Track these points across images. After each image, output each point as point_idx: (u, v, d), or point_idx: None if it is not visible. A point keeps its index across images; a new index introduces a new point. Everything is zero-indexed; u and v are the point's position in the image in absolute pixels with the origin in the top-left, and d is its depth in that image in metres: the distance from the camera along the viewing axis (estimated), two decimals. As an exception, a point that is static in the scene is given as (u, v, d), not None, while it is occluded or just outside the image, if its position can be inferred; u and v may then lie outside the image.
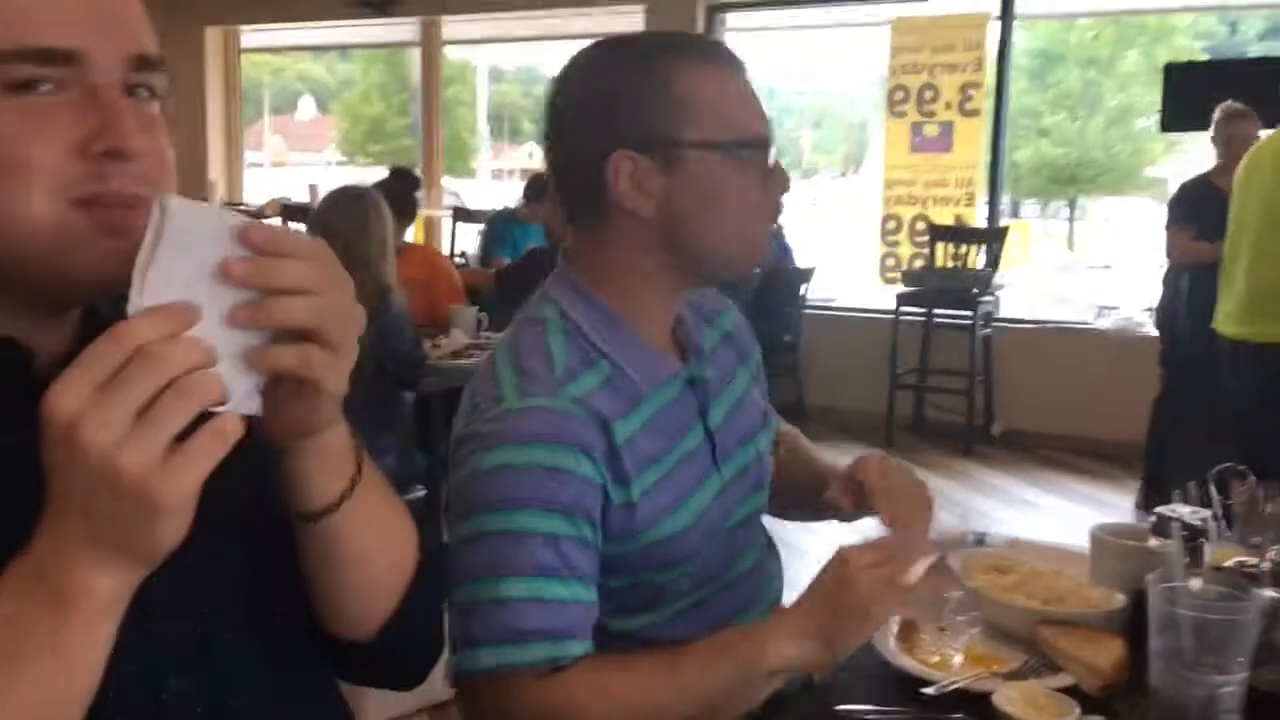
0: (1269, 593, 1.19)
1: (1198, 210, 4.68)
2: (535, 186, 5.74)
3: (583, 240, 1.29)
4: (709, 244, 1.26)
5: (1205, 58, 8.73)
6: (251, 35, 9.11)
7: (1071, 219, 16.59)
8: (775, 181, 1.27)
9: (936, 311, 6.02)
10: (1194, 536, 1.28)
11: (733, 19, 7.20)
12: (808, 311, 6.53)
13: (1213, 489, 1.53)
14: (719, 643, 1.17)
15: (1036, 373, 6.03)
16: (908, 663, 1.28)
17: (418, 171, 8.33)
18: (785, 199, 1.31)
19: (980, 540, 1.69)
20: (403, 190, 4.07)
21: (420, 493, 3.23)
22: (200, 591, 0.78)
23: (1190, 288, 4.63)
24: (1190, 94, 5.44)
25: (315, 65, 21.73)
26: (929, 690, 1.21)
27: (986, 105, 6.32)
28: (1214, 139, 4.78)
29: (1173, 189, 4.98)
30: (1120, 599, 1.34)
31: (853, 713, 1.20)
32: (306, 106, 21.40)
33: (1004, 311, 6.34)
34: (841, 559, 1.15)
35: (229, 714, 0.79)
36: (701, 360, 1.34)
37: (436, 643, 1.00)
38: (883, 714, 1.19)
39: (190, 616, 0.78)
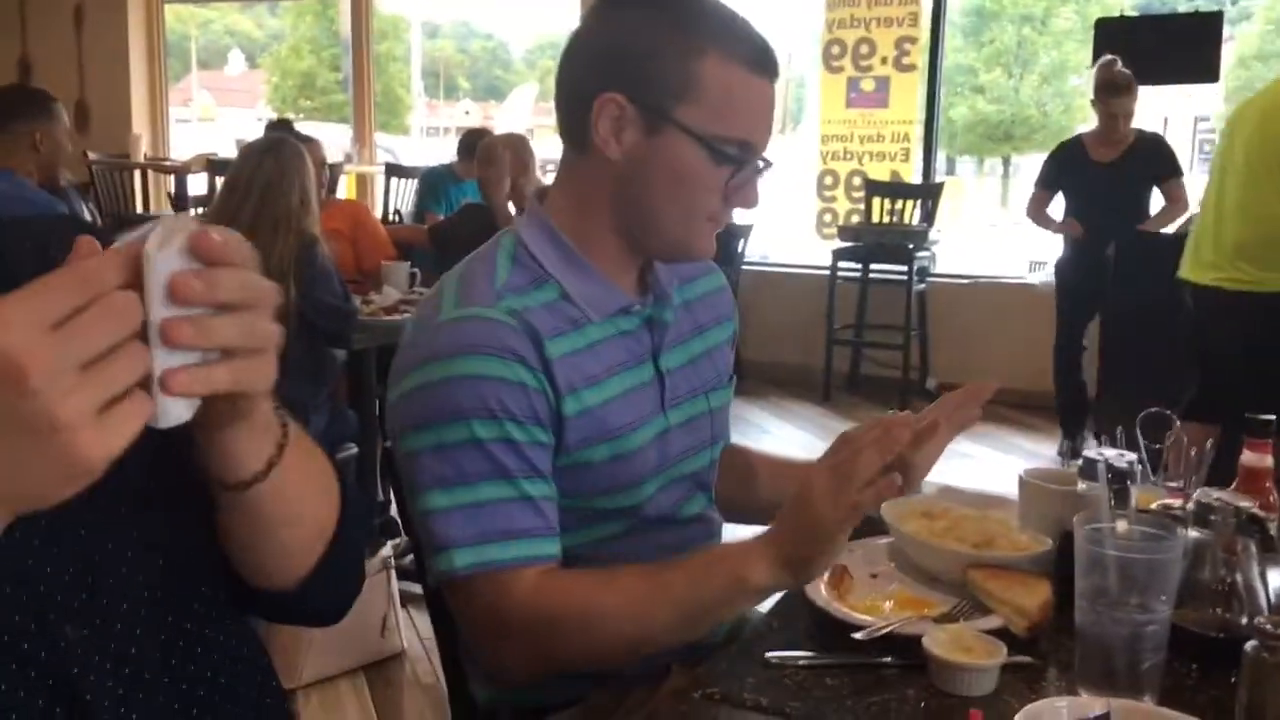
0: (1193, 533, 1.20)
1: (1065, 172, 4.86)
2: (469, 143, 5.65)
3: (561, 172, 1.33)
4: (654, 219, 1.28)
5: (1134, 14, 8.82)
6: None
7: (1006, 176, 16.77)
8: (741, 194, 1.28)
9: (873, 267, 6.05)
10: (1120, 479, 1.29)
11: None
12: (745, 268, 6.52)
13: (1139, 434, 1.54)
14: (706, 559, 1.22)
15: (970, 327, 6.10)
16: (838, 609, 1.28)
17: (348, 128, 8.21)
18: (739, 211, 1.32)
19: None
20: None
21: (352, 451, 3.18)
22: (81, 540, 0.76)
23: (1076, 246, 4.92)
24: (1121, 49, 5.49)
25: (244, 18, 21.21)
26: (859, 635, 1.21)
27: (922, 60, 6.33)
28: (1093, 103, 4.89)
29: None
30: (1047, 542, 1.35)
31: (783, 659, 1.19)
32: (235, 61, 20.92)
33: (939, 267, 6.39)
34: (804, 482, 1.17)
35: (131, 662, 0.77)
36: (663, 304, 1.35)
37: (356, 585, 1.01)
38: (812, 660, 1.18)
39: (75, 565, 0.75)
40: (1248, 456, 1.46)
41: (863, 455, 1.12)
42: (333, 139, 8.70)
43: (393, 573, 2.98)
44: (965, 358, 6.05)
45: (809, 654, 1.19)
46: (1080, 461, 1.37)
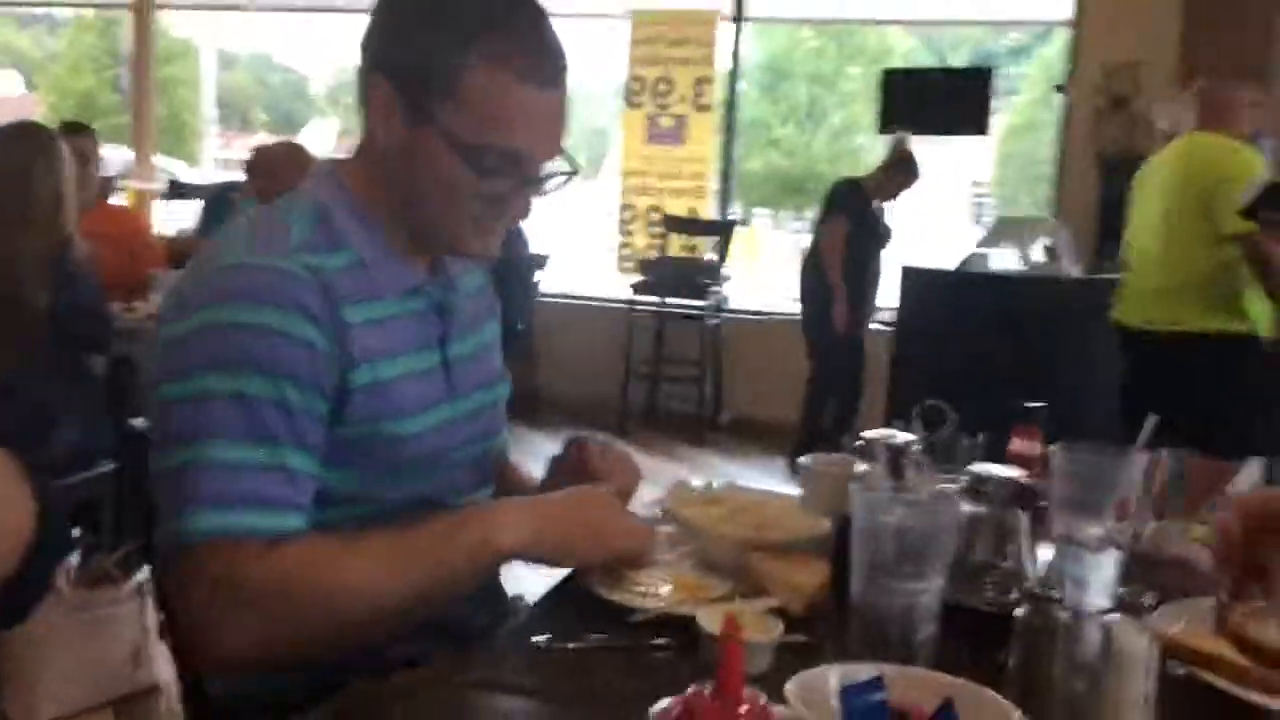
0: (967, 507, 1.19)
1: (854, 205, 5.09)
2: (257, 165, 5.41)
3: (360, 141, 1.25)
4: (417, 212, 1.22)
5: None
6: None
7: (800, 227, 17.41)
8: (505, 205, 1.21)
9: (669, 303, 6.10)
10: (896, 456, 1.28)
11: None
12: (544, 300, 6.47)
13: (917, 424, 1.55)
14: (448, 524, 1.14)
15: (763, 363, 6.22)
16: (613, 594, 1.21)
17: (127, 148, 7.76)
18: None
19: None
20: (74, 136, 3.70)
21: (109, 467, 2.93)
22: None
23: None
24: (905, 99, 5.78)
25: (20, 37, 19.96)
26: (633, 618, 1.15)
27: (717, 99, 6.48)
28: (889, 169, 5.20)
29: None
30: (826, 524, 1.32)
31: (553, 643, 1.11)
32: (11, 81, 19.65)
33: (734, 306, 6.51)
34: (601, 494, 1.20)
35: None
36: (451, 288, 1.28)
37: (43, 588, 0.95)
38: (583, 644, 1.11)
39: None
40: (1017, 444, 1.49)
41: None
42: (113, 159, 8.22)
43: (149, 600, 2.74)
44: (758, 392, 6.16)
45: (578, 641, 1.12)
46: (860, 443, 1.36)
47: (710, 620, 1.09)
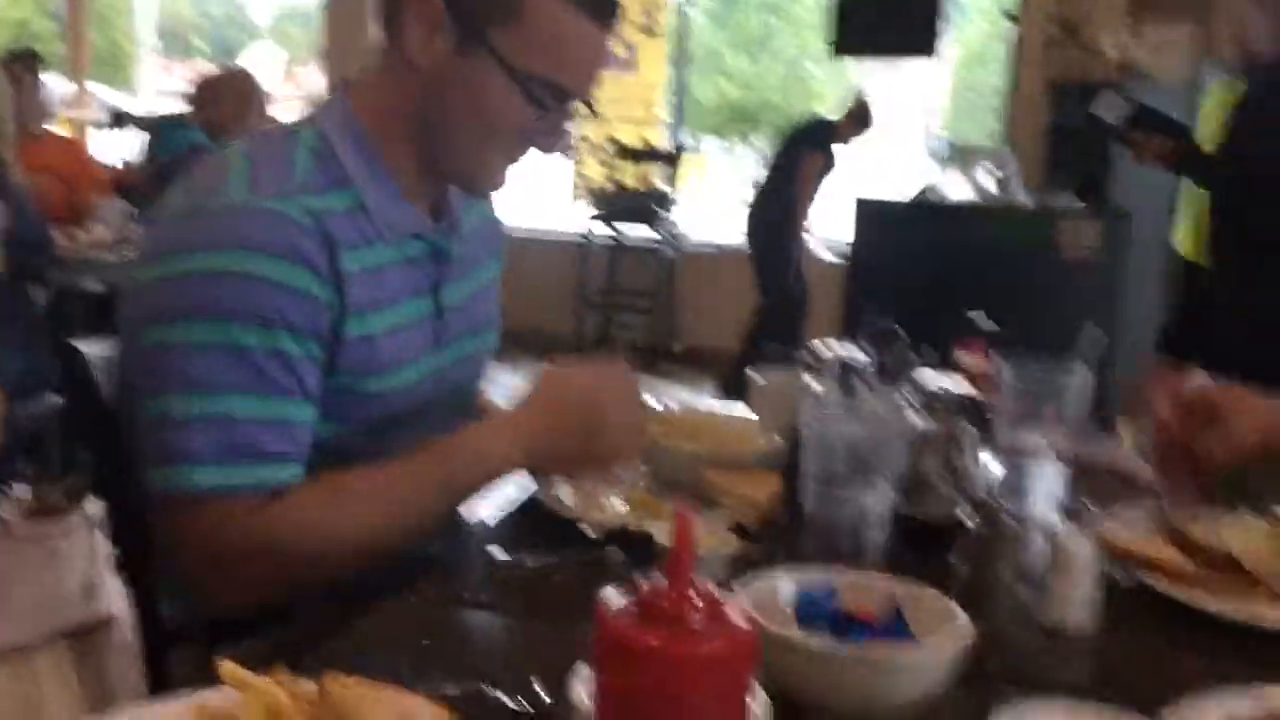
0: (917, 421, 1.21)
1: (827, 144, 5.08)
2: (201, 94, 5.27)
3: (373, 63, 1.19)
4: (447, 142, 1.17)
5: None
6: None
7: (752, 157, 17.37)
8: (542, 138, 1.18)
9: (623, 233, 6.08)
10: (845, 370, 1.29)
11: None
12: (496, 232, 6.43)
13: (866, 345, 1.56)
14: (441, 456, 1.13)
15: (716, 293, 6.23)
16: (570, 510, 1.22)
17: (64, 77, 7.52)
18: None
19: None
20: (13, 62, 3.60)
21: (54, 401, 2.88)
22: None
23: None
24: (855, 22, 5.74)
25: (-53, -36, 19.22)
26: (590, 533, 1.16)
27: (669, 25, 6.40)
28: (849, 117, 5.18)
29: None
30: (777, 439, 1.34)
31: (511, 561, 1.12)
32: (-61, 10, 18.91)
33: (689, 237, 6.50)
34: (598, 381, 1.16)
35: None
36: (453, 234, 1.25)
37: None
38: (541, 560, 1.12)
39: None
40: (964, 358, 1.51)
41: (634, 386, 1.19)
42: (52, 88, 7.97)
43: (98, 532, 2.71)
44: (710, 321, 6.18)
45: (533, 555, 1.13)
46: (810, 359, 1.37)
47: (665, 534, 1.10)
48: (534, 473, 1.20)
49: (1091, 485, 1.36)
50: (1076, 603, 0.99)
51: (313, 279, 1.08)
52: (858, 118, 5.20)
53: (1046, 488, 1.28)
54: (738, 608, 0.50)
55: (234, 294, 1.05)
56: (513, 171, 1.23)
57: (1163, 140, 3.01)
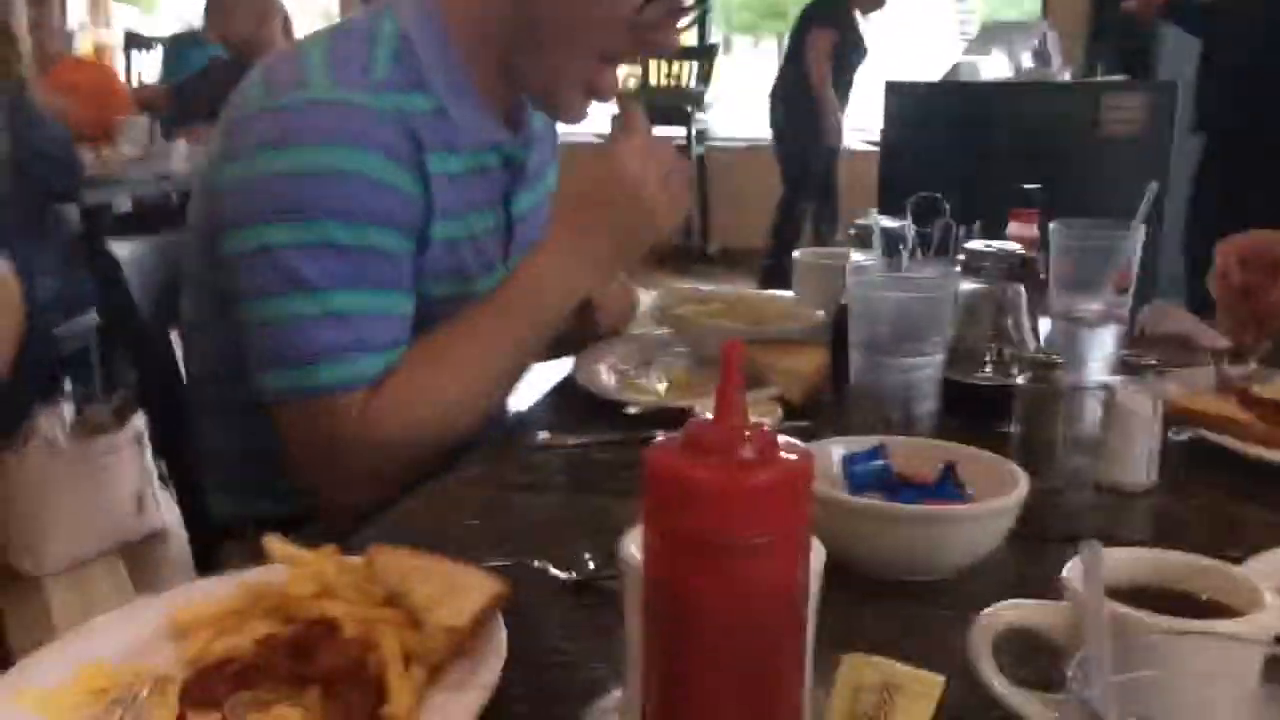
0: (967, 284, 1.17)
1: (839, 15, 4.91)
2: (213, 7, 5.20)
3: None
4: (534, 58, 1.12)
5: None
6: None
7: (780, 54, 17.02)
8: (656, 32, 1.10)
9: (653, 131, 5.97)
10: (891, 239, 1.25)
11: None
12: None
13: (909, 218, 1.51)
14: (508, 300, 1.09)
15: (749, 191, 6.14)
16: (610, 390, 1.20)
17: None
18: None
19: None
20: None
21: (91, 317, 2.89)
22: None
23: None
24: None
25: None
26: (630, 409, 1.14)
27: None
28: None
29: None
30: (820, 315, 1.31)
31: (551, 440, 1.10)
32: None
33: (717, 135, 6.38)
34: (618, 160, 1.09)
35: None
36: (526, 142, 1.21)
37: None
38: (581, 439, 1.10)
39: None
40: (1014, 228, 1.46)
41: (666, 146, 1.13)
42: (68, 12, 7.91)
43: (147, 448, 2.75)
44: (744, 221, 6.10)
45: (580, 437, 1.11)
46: (853, 231, 1.33)
47: (708, 408, 1.08)
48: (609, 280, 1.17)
49: (1151, 348, 1.32)
50: (1134, 460, 0.97)
51: (405, 174, 1.06)
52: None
53: (1102, 353, 1.24)
54: (791, 441, 0.47)
55: (330, 191, 1.02)
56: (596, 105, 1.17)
57: None
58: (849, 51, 5.05)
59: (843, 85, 5.05)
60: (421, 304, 1.12)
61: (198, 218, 1.15)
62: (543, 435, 1.11)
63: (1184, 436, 1.08)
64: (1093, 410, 1.04)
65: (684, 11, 1.12)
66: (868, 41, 5.23)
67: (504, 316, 1.09)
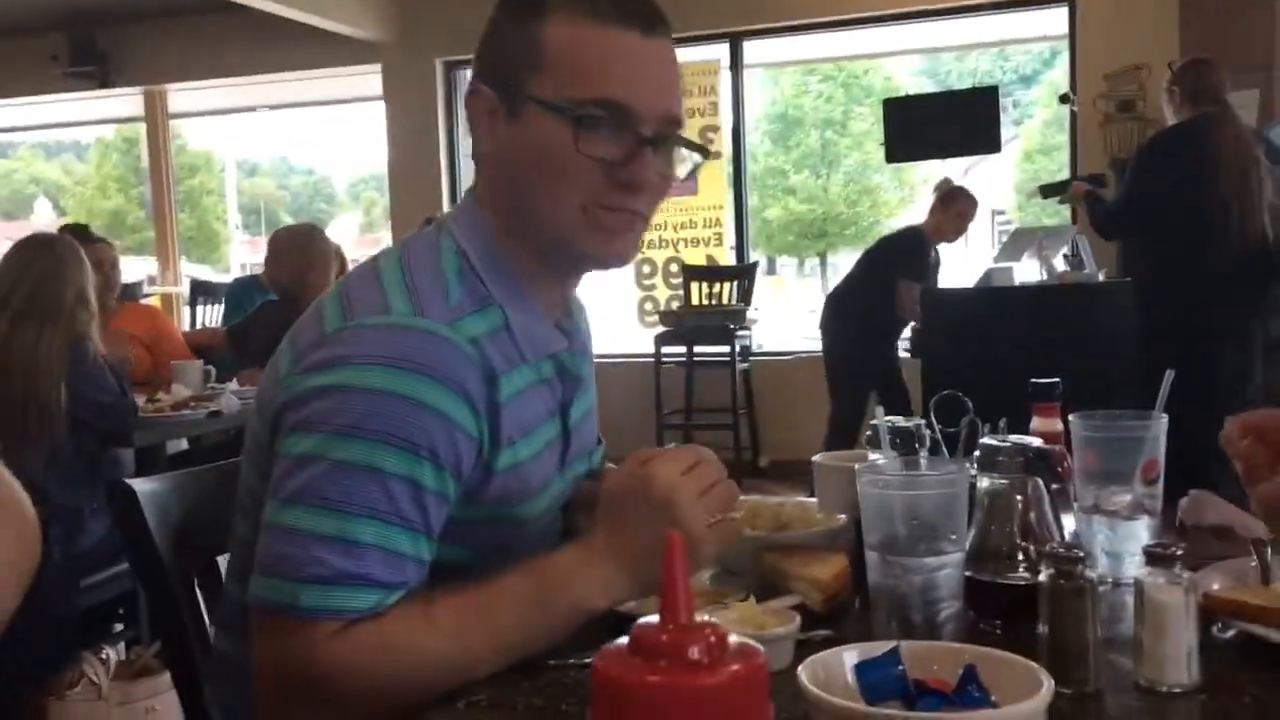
0: (984, 481, 1.14)
1: (918, 261, 5.04)
2: (269, 248, 5.48)
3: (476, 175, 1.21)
4: (532, 212, 1.13)
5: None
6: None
7: (824, 273, 17.41)
8: (623, 169, 1.09)
9: (696, 350, 6.07)
10: (907, 440, 1.23)
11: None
12: (571, 363, 6.49)
13: (932, 417, 1.50)
14: (536, 589, 1.05)
15: (797, 402, 6.15)
16: (626, 605, 1.17)
17: (150, 255, 7.90)
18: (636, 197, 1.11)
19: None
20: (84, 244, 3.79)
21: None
22: None
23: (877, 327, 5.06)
24: (909, 127, 5.76)
25: (49, 167, 20.51)
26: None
27: (726, 145, 6.50)
28: (941, 208, 5.10)
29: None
30: (841, 518, 1.27)
31: (562, 661, 1.07)
32: (42, 209, 20.14)
33: (763, 350, 6.48)
34: (662, 490, 1.04)
35: None
36: (578, 350, 1.24)
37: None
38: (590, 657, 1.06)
39: None
40: (1037, 423, 1.44)
41: (714, 466, 1.10)
42: (142, 269, 8.39)
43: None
44: (794, 433, 6.09)
45: (589, 654, 1.07)
46: (868, 433, 1.31)
47: (725, 620, 1.04)
48: (641, 594, 1.09)
49: (1192, 539, 1.27)
50: (1171, 658, 0.91)
51: (470, 413, 1.05)
52: (950, 202, 5.07)
53: (1136, 543, 1.19)
54: (743, 641, 0.45)
55: (388, 416, 1.01)
56: (622, 235, 1.13)
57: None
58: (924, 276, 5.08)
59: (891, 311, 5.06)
60: (491, 524, 1.11)
61: (255, 439, 1.15)
62: (552, 659, 1.07)
63: (1230, 633, 1.02)
64: (1123, 600, 0.99)
65: (648, 145, 1.10)
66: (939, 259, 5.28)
67: (519, 601, 1.05)
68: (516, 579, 1.06)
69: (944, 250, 5.26)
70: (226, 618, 1.23)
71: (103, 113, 9.06)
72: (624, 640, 0.44)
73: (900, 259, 5.13)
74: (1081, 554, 0.96)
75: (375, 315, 1.06)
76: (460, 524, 1.10)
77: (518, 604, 1.05)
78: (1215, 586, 1.07)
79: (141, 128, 8.25)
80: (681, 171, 1.18)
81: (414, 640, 1.02)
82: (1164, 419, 1.24)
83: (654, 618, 0.45)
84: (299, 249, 3.91)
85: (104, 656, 2.76)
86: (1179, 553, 0.95)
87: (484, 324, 1.10)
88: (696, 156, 1.20)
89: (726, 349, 5.96)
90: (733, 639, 0.45)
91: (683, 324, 6.04)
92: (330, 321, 1.09)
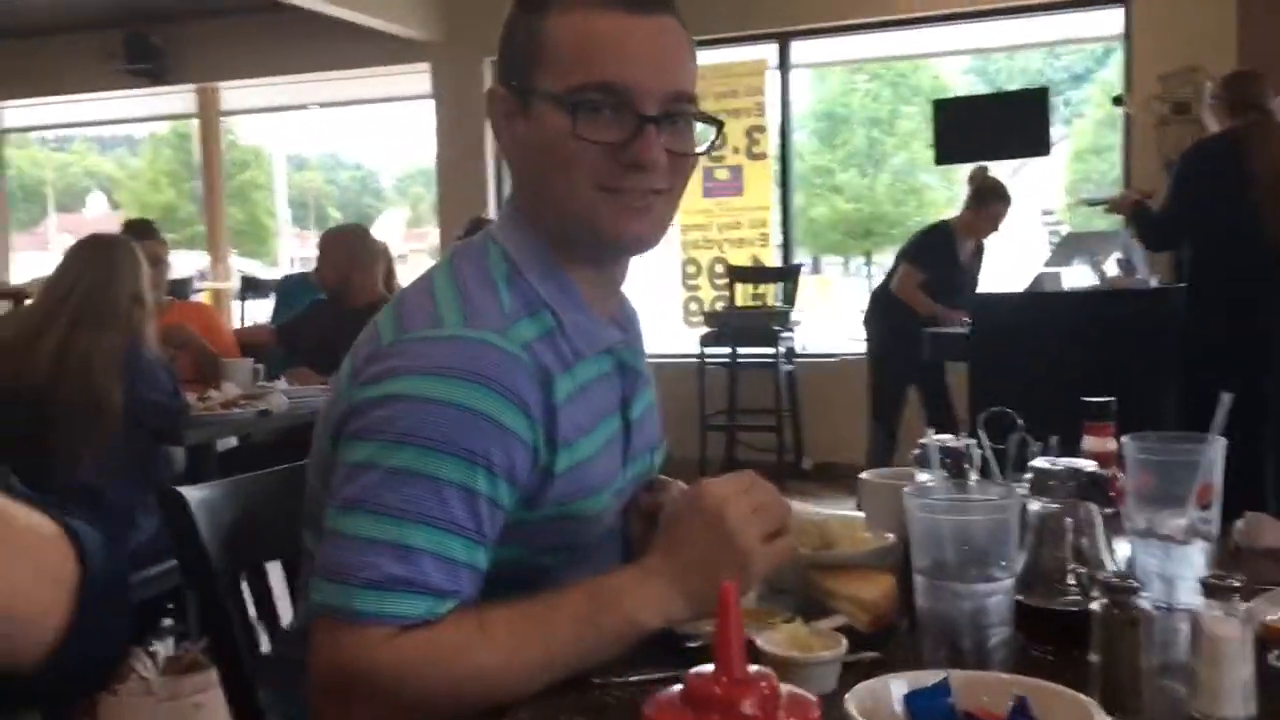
0: (1035, 505, 1.13)
1: (933, 254, 4.98)
2: (318, 249, 5.54)
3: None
4: (550, 204, 1.15)
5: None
6: (15, 111, 8.59)
7: (869, 272, 17.33)
8: (626, 150, 1.09)
9: (741, 351, 6.05)
10: (955, 458, 1.22)
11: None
12: (615, 362, 6.50)
13: (981, 433, 1.48)
14: (592, 607, 1.06)
15: (841, 405, 6.12)
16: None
17: (201, 249, 8.01)
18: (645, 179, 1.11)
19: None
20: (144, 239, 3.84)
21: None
22: None
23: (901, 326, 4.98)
24: (959, 128, 5.70)
25: (104, 160, 20.83)
26: (691, 643, 1.10)
27: (772, 147, 6.47)
28: (973, 203, 5.07)
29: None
30: (890, 537, 1.26)
31: (607, 679, 1.07)
32: (96, 202, 20.47)
33: (807, 351, 6.44)
34: (714, 503, 1.07)
35: None
36: (634, 343, 1.25)
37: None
38: (639, 675, 1.06)
39: None
40: (1089, 442, 1.42)
41: (767, 487, 1.13)
42: (192, 263, 8.51)
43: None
44: (838, 435, 6.06)
45: (638, 674, 1.07)
46: (916, 452, 1.30)
47: (771, 641, 1.04)
48: (694, 615, 1.10)
49: (1250, 564, 1.24)
50: (1227, 691, 0.89)
51: (524, 420, 1.06)
52: (982, 198, 5.05)
53: (1192, 573, 1.17)
54: (795, 693, 0.45)
55: (442, 424, 1.03)
56: (640, 215, 1.12)
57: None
58: (946, 282, 5.00)
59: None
60: (556, 523, 1.12)
61: (319, 451, 1.17)
62: (598, 678, 1.07)
63: (1285, 661, 1.00)
64: (1178, 632, 0.98)
65: (651, 124, 1.10)
66: (975, 263, 5.20)
67: (574, 618, 1.05)
68: (572, 595, 1.08)
69: (996, 251, 5.21)
70: (297, 625, 1.25)
71: (156, 109, 9.18)
72: (677, 689, 0.44)
73: (913, 248, 5.16)
74: (1135, 584, 0.95)
75: (428, 328, 1.08)
76: (522, 525, 1.11)
77: (572, 620, 1.05)
78: (1272, 615, 1.05)
79: (194, 124, 8.37)
80: (700, 146, 1.17)
81: (466, 650, 1.03)
82: (1220, 442, 1.22)
83: (708, 668, 0.45)
84: (345, 249, 3.95)
85: (153, 651, 2.80)
86: (1236, 584, 0.93)
87: (535, 328, 1.12)
88: (711, 131, 1.19)
89: (771, 350, 5.94)
90: (784, 689, 0.45)
91: (727, 325, 6.03)
92: (385, 335, 1.11)
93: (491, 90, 1.16)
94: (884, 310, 5.18)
